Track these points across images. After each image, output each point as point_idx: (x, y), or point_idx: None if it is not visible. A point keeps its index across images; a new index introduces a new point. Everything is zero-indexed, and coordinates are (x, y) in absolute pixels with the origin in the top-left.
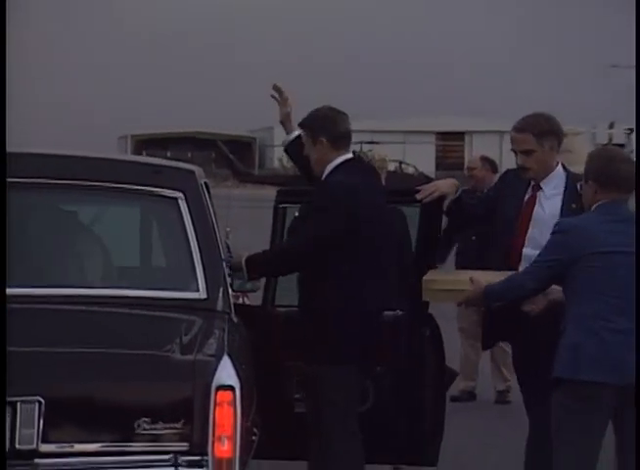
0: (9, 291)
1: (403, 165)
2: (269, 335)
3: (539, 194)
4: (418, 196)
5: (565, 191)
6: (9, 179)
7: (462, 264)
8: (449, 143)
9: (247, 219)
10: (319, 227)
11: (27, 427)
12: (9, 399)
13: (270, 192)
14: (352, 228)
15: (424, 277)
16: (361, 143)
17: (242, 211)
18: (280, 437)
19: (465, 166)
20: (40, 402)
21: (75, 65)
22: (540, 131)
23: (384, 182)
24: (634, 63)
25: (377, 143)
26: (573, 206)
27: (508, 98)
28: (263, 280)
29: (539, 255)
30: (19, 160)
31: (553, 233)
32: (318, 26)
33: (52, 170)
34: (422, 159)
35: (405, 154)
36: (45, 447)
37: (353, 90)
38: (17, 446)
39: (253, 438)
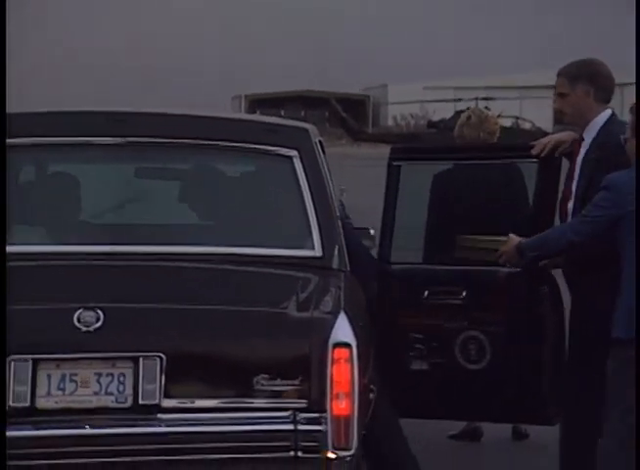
0: (127, 248)
1: (520, 121)
2: (385, 292)
3: (582, 144)
4: (533, 151)
5: (592, 141)
6: (125, 139)
7: None
8: None
9: (361, 178)
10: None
11: (150, 383)
12: (131, 354)
13: (384, 150)
14: None
15: (458, 235)
16: (476, 99)
17: (356, 169)
18: (398, 395)
19: None
20: (162, 358)
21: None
22: (573, 75)
23: (497, 138)
24: None
25: (492, 99)
26: (593, 156)
27: (624, 50)
28: (378, 237)
29: (585, 209)
30: (134, 119)
31: (600, 189)
32: None
33: (167, 130)
34: (539, 114)
35: (522, 109)
36: (167, 403)
37: (468, 45)
38: (140, 401)
39: (371, 396)
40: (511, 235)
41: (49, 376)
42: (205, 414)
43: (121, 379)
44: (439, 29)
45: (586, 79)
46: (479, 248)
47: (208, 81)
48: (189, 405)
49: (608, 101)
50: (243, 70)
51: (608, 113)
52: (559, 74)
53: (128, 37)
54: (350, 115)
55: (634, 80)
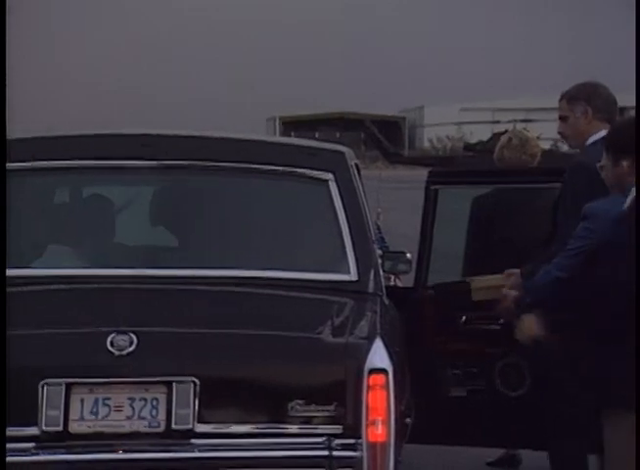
0: (161, 271)
1: (559, 144)
2: (422, 317)
3: None
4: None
5: None
6: (159, 162)
7: None
8: None
9: (397, 200)
10: None
11: (183, 408)
12: (164, 378)
13: (420, 173)
14: None
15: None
16: (515, 121)
17: (392, 192)
18: (435, 421)
19: None
20: (195, 383)
21: (223, 46)
22: (571, 97)
23: (537, 162)
24: None
25: (531, 121)
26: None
27: None
28: (415, 261)
29: (568, 243)
30: (168, 141)
31: (580, 219)
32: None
33: (201, 152)
34: None
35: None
36: (200, 428)
37: (505, 66)
38: (173, 426)
39: (408, 421)
40: (510, 271)
41: (82, 400)
42: (239, 440)
43: (154, 403)
44: (476, 51)
45: (584, 100)
46: (489, 286)
47: (242, 103)
48: (223, 430)
49: (609, 121)
50: (277, 91)
51: (602, 133)
52: (560, 98)
53: (161, 56)
54: (386, 137)
55: None
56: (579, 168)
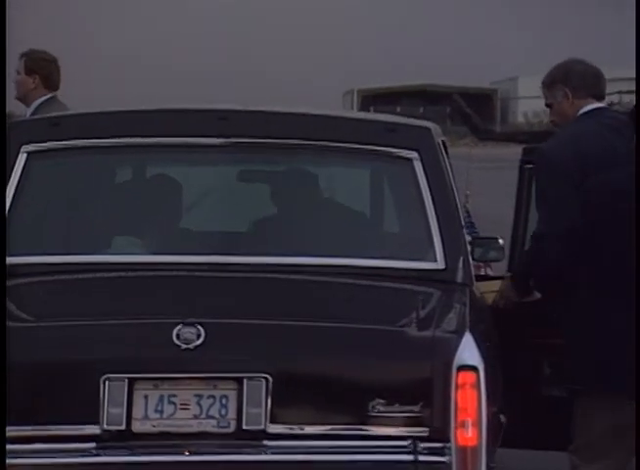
0: (231, 258)
1: None
2: (515, 309)
3: None
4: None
5: None
6: (229, 139)
7: None
8: None
9: (487, 181)
10: None
11: (254, 406)
12: (234, 374)
13: (514, 150)
14: None
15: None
16: (620, 92)
17: (482, 172)
18: (531, 424)
19: None
20: (268, 380)
21: (298, 15)
22: (548, 83)
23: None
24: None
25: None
26: None
27: None
28: (508, 247)
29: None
30: (239, 117)
31: None
32: None
33: (275, 129)
34: None
35: None
36: (273, 428)
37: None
38: (243, 426)
39: (501, 423)
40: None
41: (146, 397)
42: (315, 442)
43: (224, 401)
44: (578, 14)
45: (560, 83)
46: (493, 291)
47: (318, 75)
48: (297, 432)
49: (595, 96)
50: (355, 62)
51: (588, 107)
52: (541, 86)
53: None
54: (476, 111)
55: None
56: (539, 158)
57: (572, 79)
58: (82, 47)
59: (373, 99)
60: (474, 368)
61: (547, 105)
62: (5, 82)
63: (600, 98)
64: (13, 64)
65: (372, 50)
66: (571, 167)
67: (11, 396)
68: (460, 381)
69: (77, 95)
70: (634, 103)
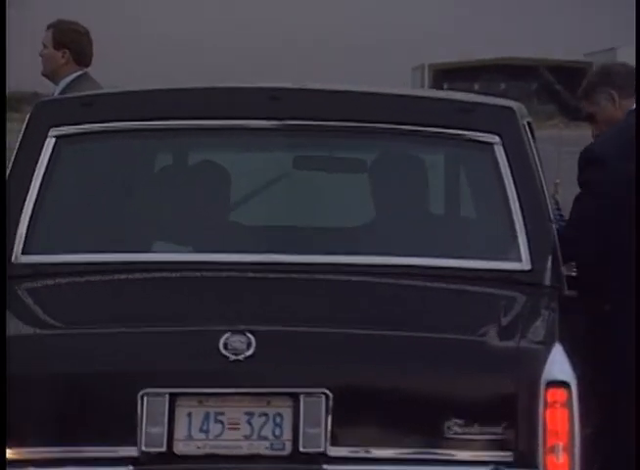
0: (288, 257)
1: None
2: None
3: None
4: None
5: None
6: (283, 121)
7: None
8: None
9: None
10: None
11: (313, 426)
12: (290, 390)
13: None
14: None
15: None
16: None
17: (574, 157)
18: (630, 448)
19: None
20: (328, 396)
21: None
22: (588, 89)
23: None
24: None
25: None
26: None
27: None
28: None
29: None
30: (294, 96)
31: None
32: None
33: (335, 110)
34: None
35: None
36: (334, 451)
37: None
38: (301, 448)
39: (596, 447)
40: None
41: (189, 415)
42: (383, 466)
43: (278, 420)
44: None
45: (602, 85)
46: None
47: (383, 48)
48: (362, 455)
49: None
50: (426, 33)
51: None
52: (580, 98)
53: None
54: (566, 87)
55: None
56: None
57: (616, 79)
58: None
59: (446, 75)
60: (565, 384)
61: (588, 117)
62: (5, 83)
63: None
64: (36, 39)
65: (445, 19)
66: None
67: (37, 412)
68: (549, 399)
69: (111, 72)
70: None
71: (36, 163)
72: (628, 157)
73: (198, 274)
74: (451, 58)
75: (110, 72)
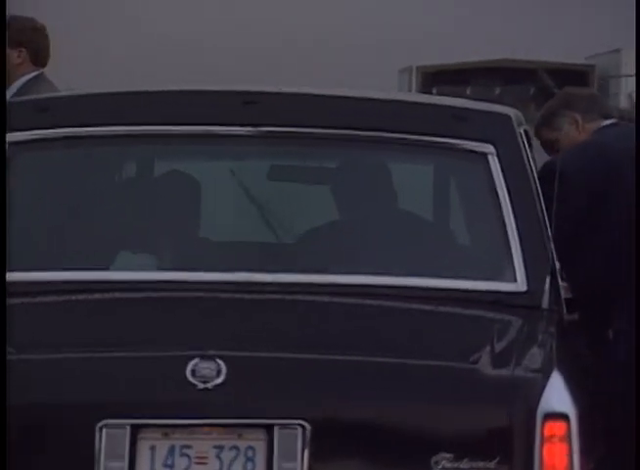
0: (262, 276)
1: None
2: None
3: None
4: None
5: None
6: (258, 128)
7: None
8: None
9: None
10: None
11: (288, 461)
12: (263, 421)
13: None
14: None
15: None
16: None
17: None
18: None
19: None
20: (305, 428)
21: None
22: (547, 115)
23: None
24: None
25: None
26: None
27: None
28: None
29: None
30: (271, 100)
31: None
32: None
33: (314, 116)
34: None
35: None
36: None
37: None
38: None
39: None
40: None
41: (153, 448)
42: None
43: (250, 455)
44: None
45: (562, 108)
46: None
47: (367, 48)
48: None
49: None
50: (413, 33)
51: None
52: (536, 131)
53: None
54: None
55: None
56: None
57: (579, 103)
58: (114, 19)
59: (436, 78)
60: (564, 416)
61: (548, 144)
62: (5, 81)
63: (607, 117)
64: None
65: (434, 18)
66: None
67: None
68: (547, 433)
69: (66, 72)
70: None
71: None
72: (594, 170)
73: (163, 294)
74: (441, 59)
75: (109, 71)
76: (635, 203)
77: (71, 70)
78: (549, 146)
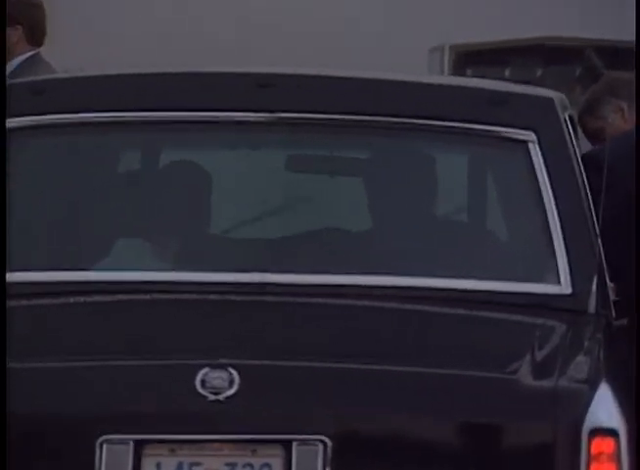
0: (279, 277)
1: None
2: None
3: None
4: None
5: None
6: (274, 114)
7: None
8: None
9: None
10: None
11: None
12: (280, 436)
13: None
14: None
15: None
16: None
17: None
18: None
19: None
20: (326, 444)
21: None
22: (591, 101)
23: None
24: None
25: None
26: None
27: None
28: None
29: None
30: (288, 83)
31: None
32: None
33: (337, 100)
34: None
35: None
36: None
37: None
38: None
39: None
40: None
41: (159, 466)
42: None
43: None
44: None
45: (607, 95)
46: None
47: (395, 26)
48: None
49: None
50: (445, 8)
51: None
52: (579, 119)
53: None
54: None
55: None
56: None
57: (624, 90)
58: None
59: (471, 58)
60: (613, 432)
61: (592, 134)
62: (5, 83)
63: None
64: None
65: None
66: None
67: None
68: (594, 450)
69: (64, 53)
70: None
71: None
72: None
73: (170, 297)
74: (476, 38)
75: (112, 52)
76: (636, 207)
77: (69, 51)
78: (593, 135)
